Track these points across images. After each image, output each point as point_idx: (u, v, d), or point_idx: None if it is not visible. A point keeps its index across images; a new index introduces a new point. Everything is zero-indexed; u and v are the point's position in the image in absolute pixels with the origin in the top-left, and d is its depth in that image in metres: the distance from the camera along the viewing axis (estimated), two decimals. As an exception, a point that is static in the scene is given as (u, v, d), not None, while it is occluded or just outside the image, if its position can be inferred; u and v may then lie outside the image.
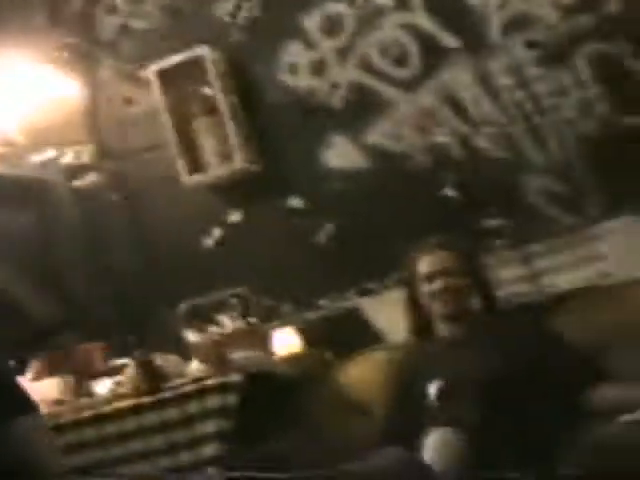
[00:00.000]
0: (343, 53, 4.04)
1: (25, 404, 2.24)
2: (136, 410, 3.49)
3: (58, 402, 3.65)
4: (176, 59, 4.17)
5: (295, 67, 4.12)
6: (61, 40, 4.50)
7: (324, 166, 4.07)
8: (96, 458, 3.51)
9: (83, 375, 3.88)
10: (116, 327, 4.21)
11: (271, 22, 4.14)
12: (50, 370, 3.95)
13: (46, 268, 4.40)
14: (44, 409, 3.55)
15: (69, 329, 4.15)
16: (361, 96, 4.02)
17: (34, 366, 3.98)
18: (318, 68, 4.08)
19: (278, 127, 4.15)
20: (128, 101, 4.40)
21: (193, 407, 3.41)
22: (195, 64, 4.15)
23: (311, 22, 4.08)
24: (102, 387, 3.75)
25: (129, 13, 4.43)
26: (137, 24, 4.42)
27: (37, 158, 4.54)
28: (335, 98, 4.06)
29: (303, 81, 4.11)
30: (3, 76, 4.36)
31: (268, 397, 3.40)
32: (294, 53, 4.12)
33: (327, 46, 4.06)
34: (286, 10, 4.12)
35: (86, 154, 4.46)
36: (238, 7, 4.20)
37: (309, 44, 4.08)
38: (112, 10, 4.45)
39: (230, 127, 4.07)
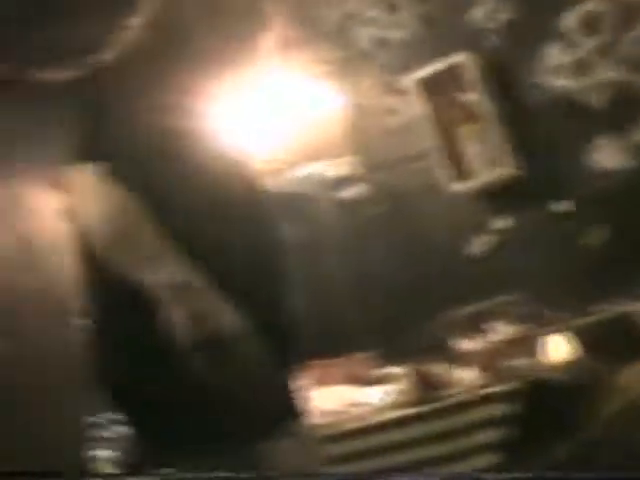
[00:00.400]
0: (605, 51, 3.93)
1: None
2: (412, 419, 3.51)
3: (331, 413, 3.71)
4: (435, 67, 4.18)
5: (556, 68, 4.03)
6: (319, 55, 4.62)
7: (590, 167, 3.96)
8: (369, 467, 3.57)
9: (353, 384, 3.93)
10: (382, 336, 4.24)
11: (527, 24, 4.08)
12: (320, 380, 4.04)
13: (314, 281, 4.52)
14: (318, 419, 3.66)
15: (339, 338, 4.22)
16: (626, 94, 3.90)
17: (305, 376, 4.08)
18: (580, 68, 3.98)
19: (541, 130, 4.07)
20: (390, 112, 4.44)
21: (470, 416, 3.40)
22: (454, 71, 4.13)
23: (569, 21, 4.00)
24: (372, 396, 3.79)
25: (385, 24, 4.47)
26: (393, 35, 4.45)
27: (302, 172, 4.66)
28: (598, 98, 3.96)
29: (565, 82, 4.02)
30: (264, 93, 4.50)
31: (545, 405, 3.34)
32: (554, 54, 4.04)
33: (587, 45, 3.96)
34: (542, 11, 4.04)
35: (350, 166, 4.53)
36: (493, 11, 4.17)
37: (569, 44, 3.99)
38: (368, 22, 4.52)
39: (494, 133, 4.04)
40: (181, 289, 2.02)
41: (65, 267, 2.59)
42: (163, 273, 2.04)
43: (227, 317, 2.05)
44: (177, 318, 2.00)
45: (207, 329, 2.02)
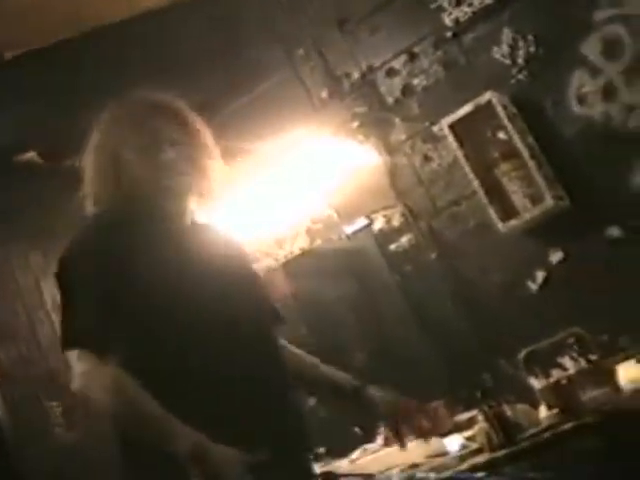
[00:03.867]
0: (629, 74, 3.95)
1: None
2: (493, 464, 3.49)
3: (414, 465, 3.70)
4: (465, 109, 4.20)
5: (584, 96, 4.05)
6: (349, 111, 4.67)
7: (636, 191, 3.97)
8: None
9: (432, 434, 3.92)
10: (454, 383, 4.23)
11: (550, 56, 4.12)
12: (398, 434, 4.03)
13: (376, 335, 4.55)
14: (400, 475, 3.65)
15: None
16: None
17: (382, 431, 4.10)
18: (608, 93, 4.00)
19: (580, 158, 4.08)
20: (427, 158, 4.47)
21: (552, 454, 3.38)
22: (484, 110, 4.15)
23: (591, 48, 4.03)
24: (452, 444, 3.78)
25: (408, 73, 4.53)
26: (418, 82, 4.50)
27: (350, 228, 4.69)
28: (632, 120, 3.98)
29: (595, 109, 4.04)
30: (303, 154, 4.56)
31: (630, 435, 3.31)
32: (580, 82, 4.07)
33: (612, 70, 3.99)
34: (562, 41, 4.08)
35: (396, 217, 4.55)
36: (513, 47, 4.20)
37: (594, 70, 4.02)
38: (391, 73, 4.57)
39: (532, 167, 4.04)
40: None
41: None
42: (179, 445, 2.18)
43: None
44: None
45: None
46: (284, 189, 4.70)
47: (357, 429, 4.35)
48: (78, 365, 2.27)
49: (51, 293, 4.77)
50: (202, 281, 2.40)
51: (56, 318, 4.72)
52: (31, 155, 4.69)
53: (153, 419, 2.23)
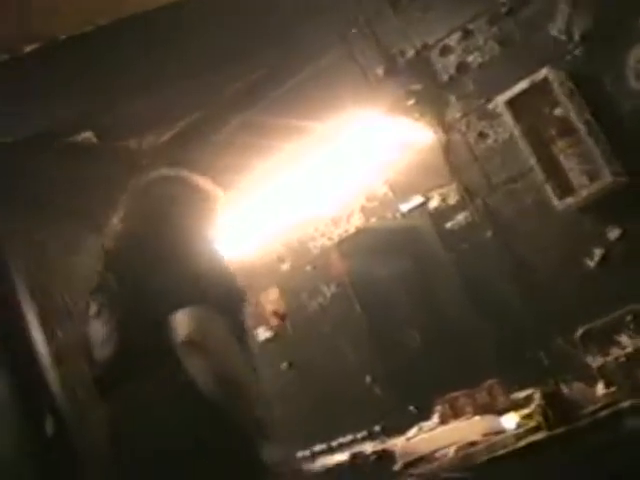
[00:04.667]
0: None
1: None
2: (550, 442, 3.48)
3: (471, 443, 3.69)
4: (521, 86, 4.16)
5: (641, 70, 4.01)
6: (404, 88, 4.65)
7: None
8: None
9: (488, 413, 3.91)
10: (511, 361, 4.19)
11: (607, 31, 4.04)
12: (454, 411, 4.04)
13: (430, 314, 4.54)
14: (457, 451, 3.66)
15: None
16: None
17: (438, 409, 4.10)
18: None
19: (638, 134, 3.99)
20: (482, 135, 4.44)
21: (609, 434, 3.35)
22: (541, 87, 4.10)
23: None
24: (509, 422, 3.77)
25: (463, 50, 4.49)
26: (473, 59, 4.46)
27: (405, 207, 4.68)
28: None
29: (653, 83, 3.99)
30: (358, 132, 4.55)
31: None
32: (638, 57, 4.00)
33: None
34: (619, 16, 4.00)
35: (451, 195, 4.53)
36: (569, 23, 4.14)
37: (652, 44, 3.97)
38: (446, 50, 4.54)
39: (590, 144, 3.98)
40: None
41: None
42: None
43: None
44: None
45: None
46: (339, 167, 4.70)
47: (412, 407, 4.35)
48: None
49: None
50: None
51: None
52: (88, 135, 4.74)
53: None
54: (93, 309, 2.93)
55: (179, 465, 2.65)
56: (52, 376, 4.32)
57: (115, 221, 3.14)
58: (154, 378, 2.70)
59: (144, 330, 2.73)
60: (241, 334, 2.84)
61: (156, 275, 2.74)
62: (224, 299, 2.76)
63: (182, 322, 2.61)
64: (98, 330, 2.88)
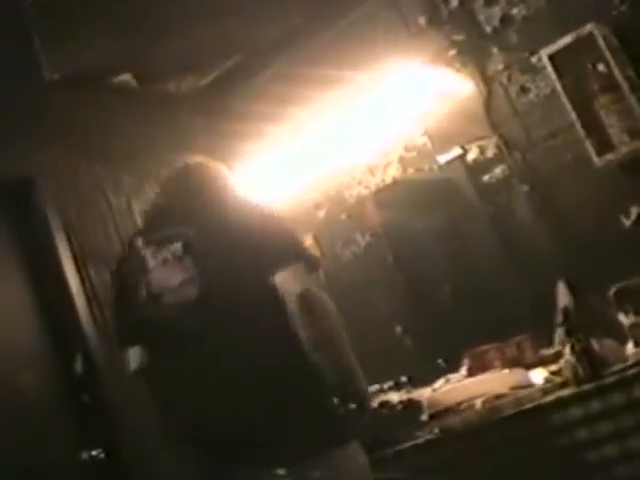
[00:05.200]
0: None
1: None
2: (579, 398, 3.46)
3: (498, 396, 3.69)
4: (565, 40, 4.10)
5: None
6: (447, 39, 4.61)
7: None
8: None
9: (515, 367, 3.91)
10: (543, 316, 4.16)
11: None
12: (482, 365, 4.04)
13: (464, 268, 4.53)
14: (484, 404, 3.66)
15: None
16: None
17: (466, 362, 4.10)
18: None
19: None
20: (524, 89, 4.39)
21: (637, 391, 3.33)
22: (585, 42, 4.04)
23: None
24: (537, 377, 3.76)
25: (507, 2, 4.43)
26: (518, 12, 4.40)
27: (443, 158, 4.65)
28: None
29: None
30: (398, 82, 4.52)
31: None
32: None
33: None
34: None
35: (490, 148, 4.49)
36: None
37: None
38: (491, 1, 4.48)
39: (631, 101, 3.93)
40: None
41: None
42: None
43: None
44: None
45: None
46: (379, 117, 4.67)
47: (440, 360, 4.35)
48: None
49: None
50: None
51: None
52: (126, 77, 4.73)
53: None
54: (164, 254, 2.98)
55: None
56: (85, 316, 4.35)
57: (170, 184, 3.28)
58: (235, 328, 2.81)
59: (234, 282, 2.84)
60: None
61: (247, 235, 2.87)
62: (310, 257, 2.96)
63: (292, 279, 2.81)
64: (174, 274, 2.93)
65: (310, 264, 2.88)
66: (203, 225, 2.95)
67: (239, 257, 2.83)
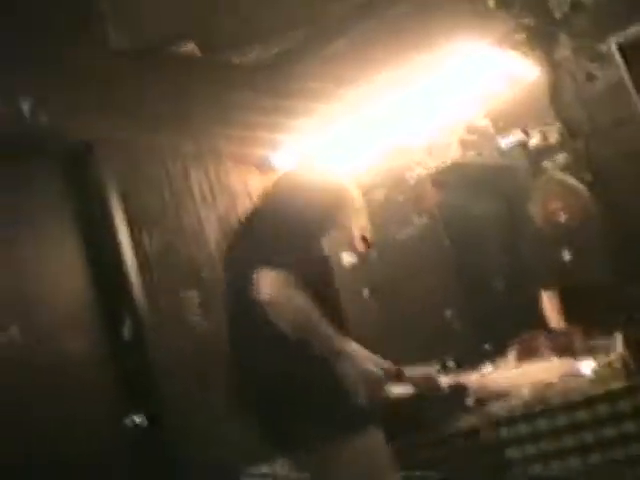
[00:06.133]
0: None
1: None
2: (629, 391, 3.41)
3: (547, 385, 3.65)
4: (635, 29, 4.06)
5: None
6: (515, 22, 4.54)
7: None
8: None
9: (565, 356, 3.86)
10: (596, 309, 4.08)
11: None
12: (530, 351, 3.99)
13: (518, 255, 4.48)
14: (532, 392, 3.62)
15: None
16: None
17: (514, 350, 4.06)
18: None
19: None
20: (591, 77, 4.33)
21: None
22: (656, 32, 4.02)
23: None
24: (587, 368, 3.71)
25: (580, -10, 4.38)
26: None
27: (503, 142, 4.61)
28: None
29: None
30: (462, 63, 4.47)
31: None
32: None
33: None
34: None
35: (553, 135, 4.44)
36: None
37: None
38: (562, -12, 4.43)
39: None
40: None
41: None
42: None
43: None
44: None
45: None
46: (442, 97, 4.63)
47: (487, 346, 4.31)
48: None
49: (198, 181, 4.84)
50: None
51: (202, 207, 4.80)
52: (189, 46, 4.73)
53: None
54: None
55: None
56: (136, 282, 4.38)
57: None
58: None
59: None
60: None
61: None
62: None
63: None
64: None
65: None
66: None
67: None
